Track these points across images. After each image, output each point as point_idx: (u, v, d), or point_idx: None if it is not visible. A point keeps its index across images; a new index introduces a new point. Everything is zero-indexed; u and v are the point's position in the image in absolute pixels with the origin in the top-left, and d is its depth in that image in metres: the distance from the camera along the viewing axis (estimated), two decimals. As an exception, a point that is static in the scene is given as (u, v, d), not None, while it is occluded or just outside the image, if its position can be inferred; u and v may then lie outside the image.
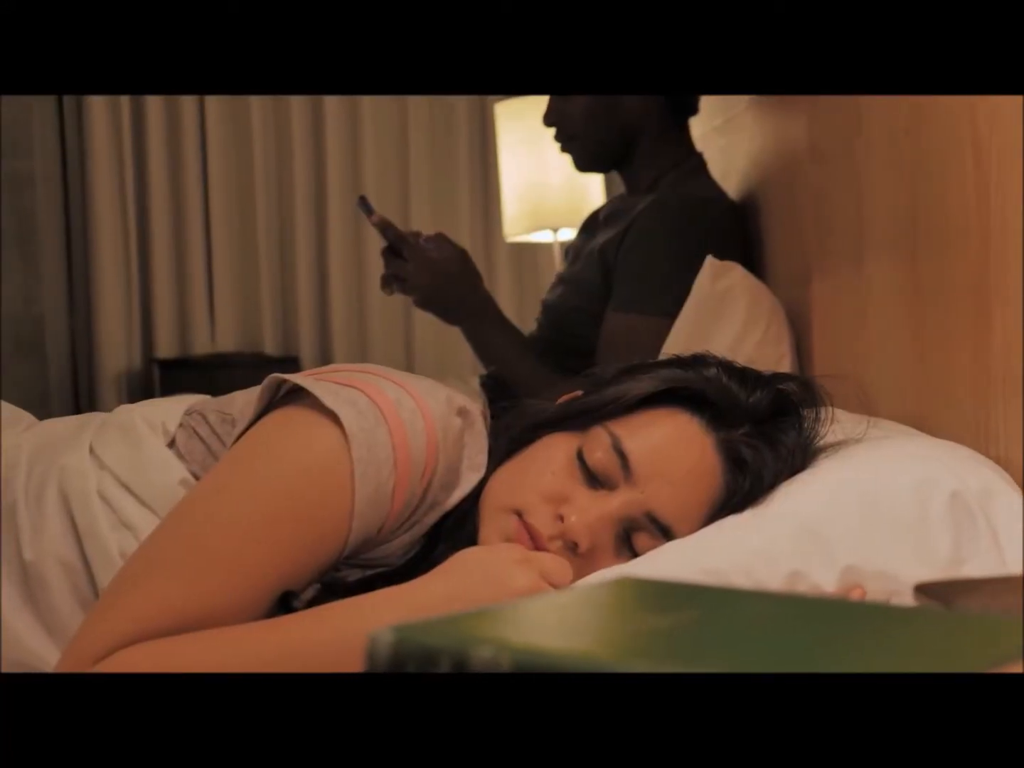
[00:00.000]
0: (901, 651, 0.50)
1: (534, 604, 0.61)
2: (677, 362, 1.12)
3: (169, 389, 3.84)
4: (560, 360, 2.12)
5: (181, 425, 1.13)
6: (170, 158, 4.13)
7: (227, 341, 4.18)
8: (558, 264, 3.35)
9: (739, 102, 2.24)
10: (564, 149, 2.26)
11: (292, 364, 4.14)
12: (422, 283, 2.02)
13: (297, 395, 1.05)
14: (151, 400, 1.20)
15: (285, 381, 1.05)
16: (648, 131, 2.17)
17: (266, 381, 1.06)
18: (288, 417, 1.03)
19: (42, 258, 3.97)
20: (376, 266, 4.21)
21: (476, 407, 1.11)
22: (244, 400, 1.13)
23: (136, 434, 1.11)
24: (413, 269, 2.01)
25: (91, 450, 1.11)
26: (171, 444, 1.12)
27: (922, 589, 0.72)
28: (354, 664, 0.96)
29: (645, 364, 1.14)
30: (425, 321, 4.25)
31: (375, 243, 4.26)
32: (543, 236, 3.38)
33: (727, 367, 1.10)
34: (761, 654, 0.48)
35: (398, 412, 1.01)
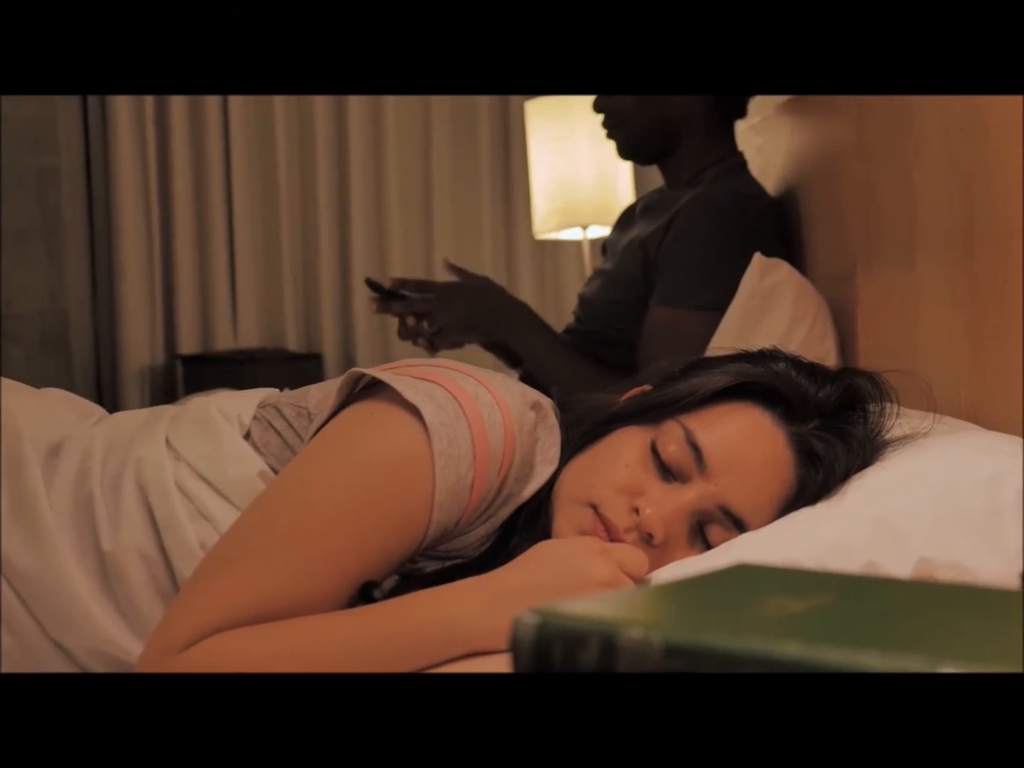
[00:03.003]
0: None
1: (660, 589, 0.63)
2: (745, 357, 1.14)
3: (192, 385, 3.86)
4: (598, 352, 2.14)
5: (255, 418, 1.15)
6: (193, 155, 4.14)
7: (249, 337, 4.19)
8: (587, 261, 3.37)
9: (776, 101, 2.25)
10: (610, 135, 2.29)
11: (315, 360, 4.15)
12: (456, 311, 2.07)
13: (376, 389, 1.07)
14: (224, 393, 1.22)
15: (364, 375, 1.07)
16: (695, 126, 2.19)
17: (346, 375, 1.08)
18: (370, 411, 1.05)
19: (67, 254, 3.99)
20: (399, 263, 4.24)
21: (548, 401, 1.13)
22: (319, 394, 1.15)
23: (214, 427, 1.12)
24: (442, 299, 2.06)
25: (167, 443, 1.13)
26: (246, 436, 1.14)
27: None
28: (437, 653, 0.98)
29: (712, 359, 1.16)
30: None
31: (398, 239, 4.30)
32: (572, 234, 3.40)
33: (796, 362, 1.12)
34: (912, 638, 0.50)
35: (477, 406, 1.03)
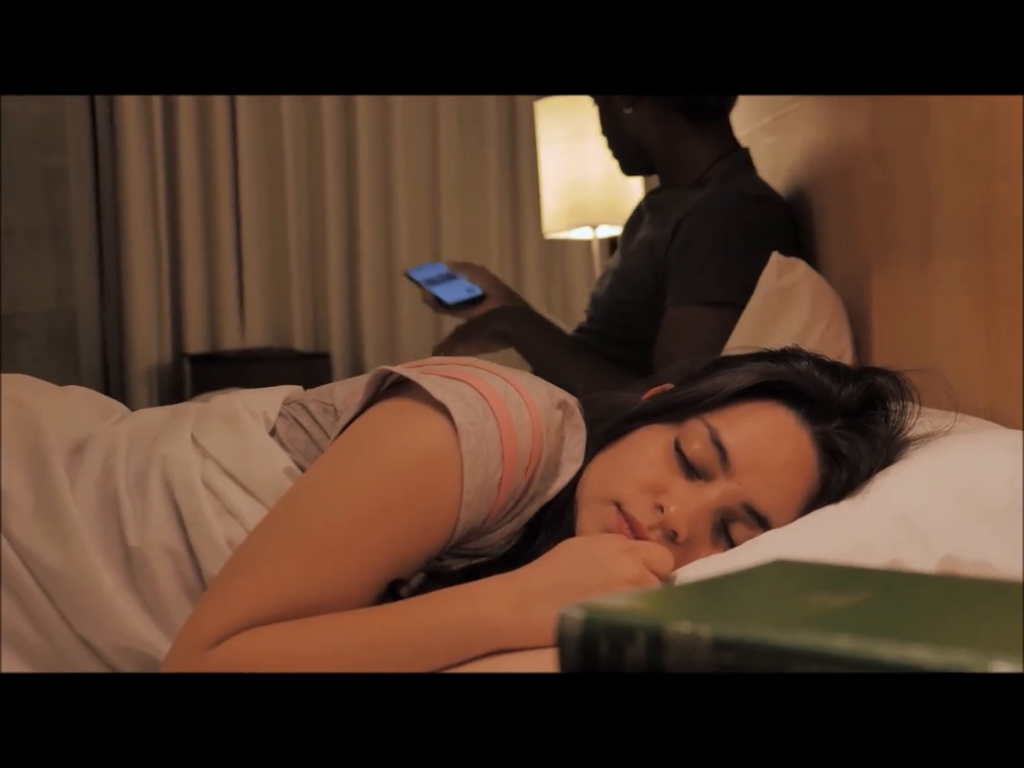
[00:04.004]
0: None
1: (699, 585, 0.63)
2: (768, 356, 1.14)
3: (199, 384, 3.87)
4: (609, 351, 2.15)
5: (281, 415, 1.15)
6: (201, 155, 4.15)
7: (257, 336, 4.20)
8: (596, 261, 3.37)
9: (789, 101, 2.26)
10: (614, 155, 2.37)
11: (323, 360, 4.15)
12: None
13: (403, 387, 1.07)
14: (248, 390, 1.22)
15: (391, 373, 1.08)
16: (676, 128, 2.19)
17: (373, 372, 1.09)
18: (398, 408, 1.05)
19: (74, 254, 4.00)
20: (406, 263, 4.24)
21: (574, 400, 1.14)
22: (345, 391, 1.16)
23: (240, 423, 1.13)
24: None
25: (193, 439, 1.13)
26: (272, 433, 1.14)
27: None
28: (465, 650, 0.98)
29: (734, 357, 1.16)
30: (455, 318, 4.28)
31: (405, 239, 4.30)
32: (582, 233, 3.41)
33: (818, 361, 1.13)
34: (960, 634, 0.50)
35: (505, 405, 1.04)
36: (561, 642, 0.56)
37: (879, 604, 0.56)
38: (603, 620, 0.55)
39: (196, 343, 4.14)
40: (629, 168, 2.36)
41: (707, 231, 2.03)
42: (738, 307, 1.93)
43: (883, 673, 0.48)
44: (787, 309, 1.80)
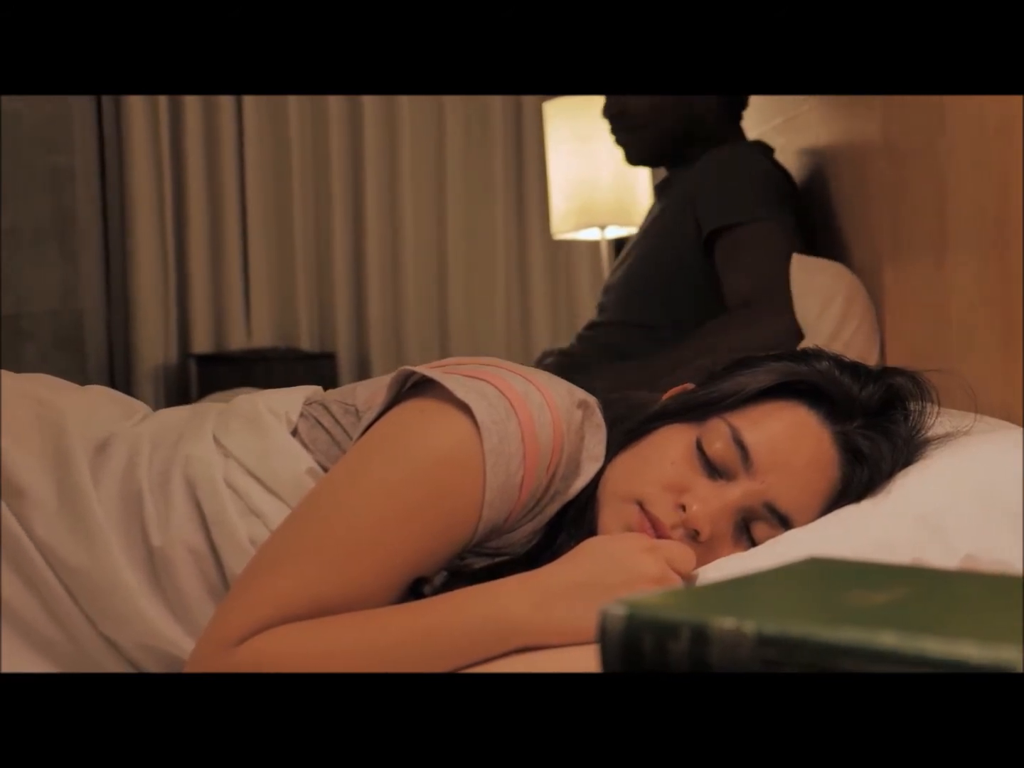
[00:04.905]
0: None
1: (736, 582, 0.64)
2: (789, 356, 1.15)
3: (205, 385, 3.87)
4: (621, 342, 2.15)
5: (302, 415, 1.16)
6: (207, 155, 4.15)
7: (263, 337, 4.20)
8: (605, 261, 3.38)
9: (800, 102, 2.26)
10: (620, 142, 2.29)
11: (328, 360, 4.16)
12: None
13: (425, 387, 1.07)
14: (269, 390, 1.23)
15: (414, 373, 1.08)
16: (707, 125, 2.21)
17: (396, 373, 1.09)
18: (420, 408, 1.05)
19: (81, 254, 4.00)
20: (412, 264, 4.24)
21: (594, 399, 1.14)
22: (366, 391, 1.16)
23: (262, 423, 1.13)
24: None
25: (215, 439, 1.14)
26: (293, 433, 1.14)
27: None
28: (489, 647, 0.99)
29: (755, 358, 1.17)
30: (460, 317, 4.28)
31: (411, 238, 4.30)
32: (590, 234, 3.41)
33: (839, 361, 1.13)
34: (1002, 629, 0.51)
35: (527, 404, 1.04)
36: (603, 639, 0.56)
37: (919, 600, 0.57)
38: (646, 616, 0.55)
39: (202, 343, 4.14)
40: (651, 154, 2.32)
41: (723, 169, 2.08)
42: (788, 225, 1.98)
43: (928, 671, 0.48)
44: (820, 310, 1.80)
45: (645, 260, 2.18)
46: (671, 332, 2.08)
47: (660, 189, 2.32)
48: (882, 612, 0.54)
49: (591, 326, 2.28)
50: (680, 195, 2.14)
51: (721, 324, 1.98)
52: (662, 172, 2.44)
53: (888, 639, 0.49)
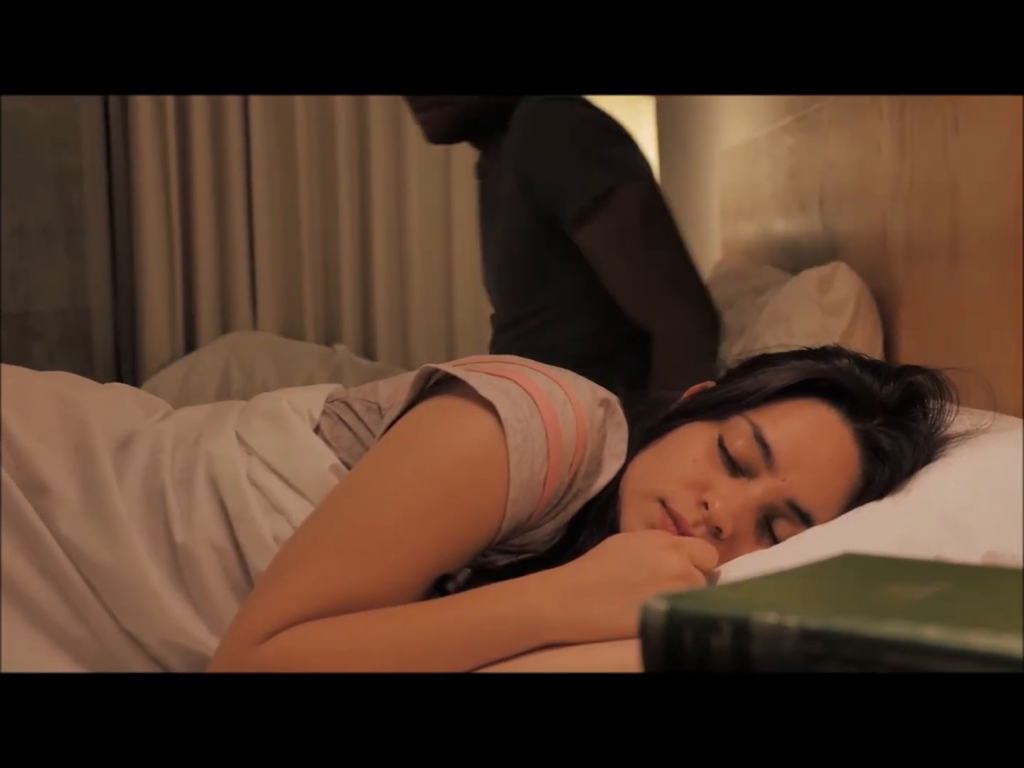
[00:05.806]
0: None
1: (774, 577, 0.64)
2: (809, 354, 1.15)
3: (211, 383, 3.87)
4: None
5: (325, 412, 1.16)
6: (214, 155, 4.15)
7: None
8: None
9: (810, 101, 2.26)
10: (420, 120, 2.19)
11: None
12: None
13: (448, 385, 1.08)
14: (291, 388, 1.23)
15: (437, 371, 1.09)
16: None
17: (419, 371, 1.10)
18: (445, 406, 1.06)
19: (88, 253, 4.01)
20: (421, 258, 4.24)
21: (615, 398, 1.15)
22: (389, 389, 1.16)
23: (285, 421, 1.14)
24: None
25: (237, 437, 1.14)
26: (316, 431, 1.15)
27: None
28: (513, 644, 0.99)
29: (776, 355, 1.17)
30: (467, 310, 4.28)
31: (418, 233, 4.30)
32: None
33: (859, 359, 1.14)
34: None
35: (551, 402, 1.05)
36: (644, 633, 0.57)
37: (960, 595, 0.57)
38: (687, 611, 0.56)
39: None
40: (456, 126, 2.17)
41: (540, 136, 1.97)
42: (645, 174, 1.90)
43: (973, 665, 0.49)
44: (828, 316, 1.79)
45: (505, 256, 2.11)
46: (545, 324, 2.04)
47: (482, 169, 2.24)
48: (924, 606, 0.55)
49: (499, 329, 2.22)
50: (506, 173, 2.03)
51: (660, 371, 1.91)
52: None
53: (933, 633, 0.50)
